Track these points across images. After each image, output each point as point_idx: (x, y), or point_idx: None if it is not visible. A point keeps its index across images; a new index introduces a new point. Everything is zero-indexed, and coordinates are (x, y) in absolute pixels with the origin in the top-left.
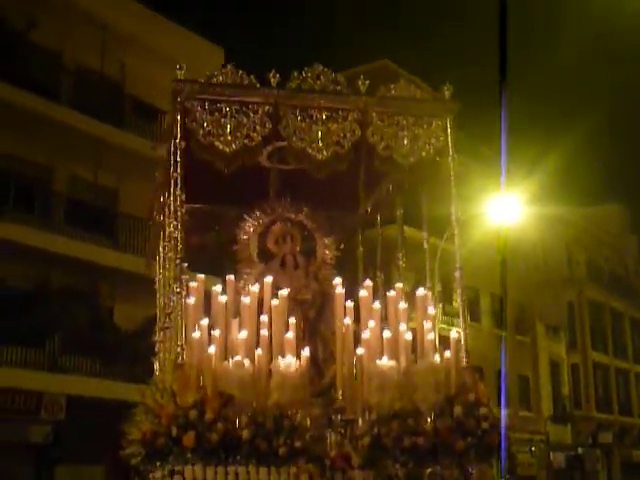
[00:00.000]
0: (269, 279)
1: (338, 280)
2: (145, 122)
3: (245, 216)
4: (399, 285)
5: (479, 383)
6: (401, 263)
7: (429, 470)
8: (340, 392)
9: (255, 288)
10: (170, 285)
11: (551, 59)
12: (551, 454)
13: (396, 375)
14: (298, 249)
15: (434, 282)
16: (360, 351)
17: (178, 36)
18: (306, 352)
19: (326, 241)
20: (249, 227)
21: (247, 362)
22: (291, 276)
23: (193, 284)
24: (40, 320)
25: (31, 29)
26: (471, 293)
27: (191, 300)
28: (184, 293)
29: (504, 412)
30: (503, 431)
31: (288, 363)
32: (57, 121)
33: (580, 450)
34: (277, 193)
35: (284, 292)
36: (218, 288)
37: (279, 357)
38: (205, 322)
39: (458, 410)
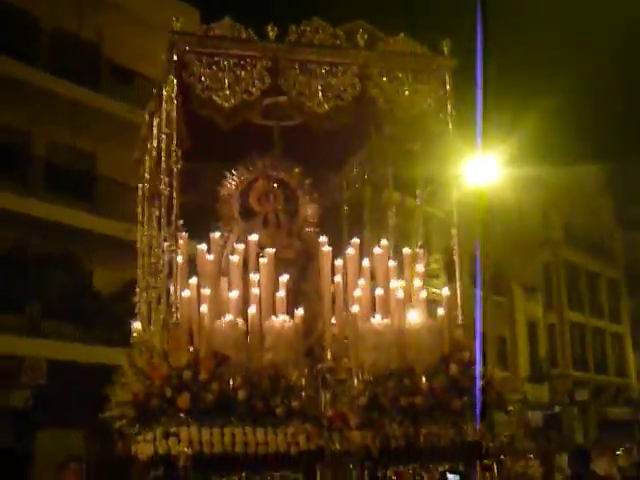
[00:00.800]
0: (254, 237)
1: (323, 239)
2: (122, 86)
3: (227, 173)
4: (384, 242)
5: (472, 341)
6: (391, 221)
7: (425, 430)
8: (329, 352)
9: (241, 246)
10: (158, 245)
11: (530, 18)
12: (529, 413)
13: (390, 334)
14: (280, 207)
15: (413, 242)
16: (353, 309)
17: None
18: (300, 311)
19: (308, 199)
20: (230, 184)
21: (240, 321)
22: (273, 235)
23: (180, 243)
24: (19, 285)
25: None
26: (449, 254)
27: (179, 258)
28: (179, 251)
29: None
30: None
31: (282, 322)
32: (34, 85)
33: (557, 408)
34: (260, 150)
35: (271, 250)
36: (203, 246)
37: (272, 316)
38: (194, 281)
39: (453, 369)
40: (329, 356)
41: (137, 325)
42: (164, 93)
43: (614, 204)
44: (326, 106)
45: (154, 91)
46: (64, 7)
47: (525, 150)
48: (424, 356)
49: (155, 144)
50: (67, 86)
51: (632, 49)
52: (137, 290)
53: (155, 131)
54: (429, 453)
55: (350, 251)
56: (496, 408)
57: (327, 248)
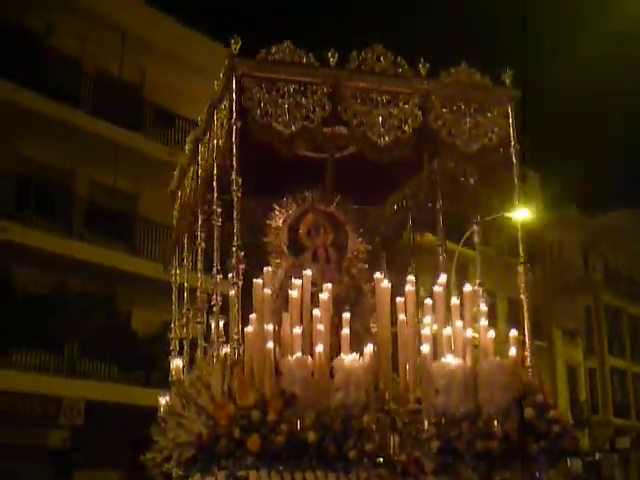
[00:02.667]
0: (308, 272)
1: (379, 275)
2: (163, 127)
3: (275, 206)
4: (443, 279)
5: (545, 384)
6: (441, 257)
7: (498, 478)
8: (411, 394)
9: (298, 282)
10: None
11: (573, 60)
12: (568, 460)
13: (462, 375)
14: (330, 242)
15: (449, 285)
16: (424, 349)
17: (196, 41)
18: (369, 348)
19: (357, 234)
20: (279, 217)
21: (309, 359)
22: (323, 270)
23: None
24: (58, 325)
25: (51, 34)
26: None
27: (232, 292)
28: (240, 284)
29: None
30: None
31: (352, 360)
32: (77, 126)
33: (597, 456)
34: (306, 184)
35: (329, 285)
36: (259, 281)
37: (341, 354)
38: (253, 316)
39: (529, 412)
40: (396, 398)
41: (177, 363)
42: (216, 118)
43: None
44: (387, 137)
45: (200, 118)
46: (107, 49)
47: (568, 194)
48: (496, 398)
49: (201, 173)
50: (109, 127)
51: None
52: (172, 326)
53: (203, 159)
54: None
55: (409, 288)
56: (572, 454)
57: (386, 284)
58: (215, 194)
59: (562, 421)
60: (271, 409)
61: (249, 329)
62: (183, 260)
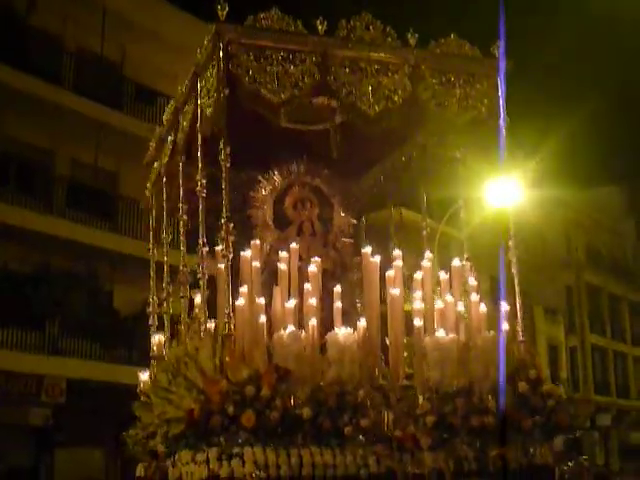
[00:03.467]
0: (295, 245)
1: (368, 249)
2: (144, 105)
3: (260, 178)
4: (430, 255)
5: (537, 358)
6: (425, 232)
7: (494, 452)
8: (401, 369)
9: (285, 254)
10: (198, 251)
11: (553, 39)
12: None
13: (456, 349)
14: (316, 216)
15: (433, 261)
16: (417, 323)
17: (177, 19)
18: (362, 323)
19: (344, 208)
20: (264, 190)
21: (302, 333)
22: (309, 244)
23: (218, 248)
24: (40, 303)
25: (32, 13)
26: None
27: (222, 265)
28: (230, 256)
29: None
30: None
31: (347, 335)
32: (58, 104)
33: (578, 433)
34: (289, 155)
35: (318, 259)
36: (247, 253)
37: (334, 328)
38: (244, 290)
39: (523, 387)
40: (387, 373)
41: (159, 338)
42: (200, 87)
43: (637, 226)
44: (377, 107)
45: (181, 88)
46: (87, 27)
47: (548, 172)
48: (490, 373)
49: (182, 144)
50: (90, 105)
51: None
52: (150, 301)
53: (183, 131)
54: (499, 477)
55: (398, 263)
56: (566, 430)
57: (375, 259)
58: (200, 164)
59: (556, 395)
60: (265, 384)
61: (239, 303)
62: (163, 233)
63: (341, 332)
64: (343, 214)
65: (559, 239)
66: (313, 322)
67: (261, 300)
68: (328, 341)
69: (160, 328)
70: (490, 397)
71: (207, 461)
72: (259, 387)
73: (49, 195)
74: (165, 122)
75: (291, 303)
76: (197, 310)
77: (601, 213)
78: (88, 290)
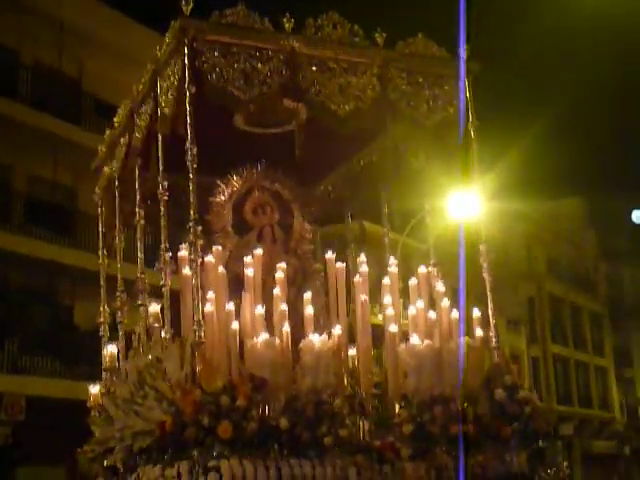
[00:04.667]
0: (259, 251)
1: (331, 255)
2: (102, 120)
3: (219, 182)
4: (395, 261)
5: (512, 364)
6: (387, 239)
7: (472, 461)
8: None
9: (249, 259)
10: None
11: (512, 55)
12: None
13: (432, 356)
14: (276, 221)
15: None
16: (391, 329)
17: (136, 34)
18: (337, 330)
19: (304, 214)
20: (223, 195)
21: (277, 340)
22: (269, 250)
23: (183, 254)
24: None
25: None
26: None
27: (186, 271)
28: (199, 261)
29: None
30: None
31: (322, 341)
32: (15, 119)
33: (541, 443)
34: (246, 160)
35: (283, 265)
36: (210, 258)
37: (309, 335)
38: (212, 296)
39: (500, 394)
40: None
41: (111, 349)
42: (160, 86)
43: (597, 237)
44: (346, 107)
45: (136, 87)
46: (44, 41)
47: (508, 185)
48: (466, 379)
49: (136, 146)
50: (48, 120)
51: (619, 88)
52: (101, 310)
53: (139, 132)
54: None
55: (364, 269)
56: (544, 437)
57: (340, 264)
58: (161, 166)
59: (533, 402)
60: (240, 394)
61: (208, 309)
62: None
63: (315, 339)
64: (303, 220)
65: (520, 251)
66: (286, 328)
67: (231, 306)
68: (302, 348)
69: (114, 339)
70: (466, 405)
71: (178, 476)
72: (234, 397)
73: (7, 211)
74: (117, 124)
75: (260, 310)
76: (151, 319)
77: (562, 225)
78: (48, 306)
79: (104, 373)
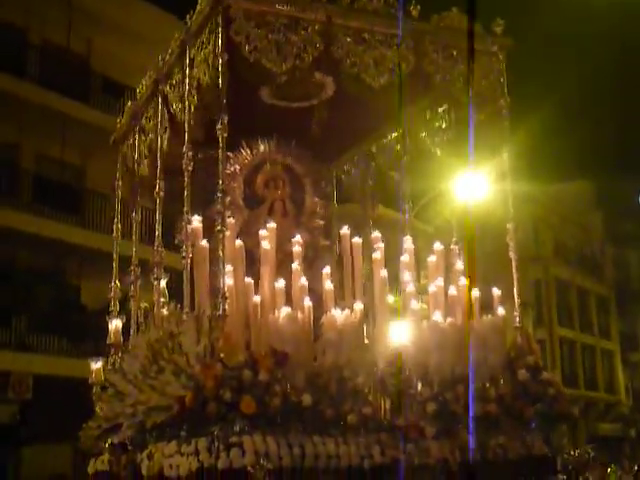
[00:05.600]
0: (272, 224)
1: (346, 230)
2: (111, 99)
3: (230, 154)
4: (410, 238)
5: (534, 345)
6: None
7: (494, 442)
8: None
9: (265, 233)
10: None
11: (521, 37)
12: None
13: (455, 334)
14: (287, 195)
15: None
16: (413, 306)
17: (144, 12)
18: (358, 305)
19: (316, 189)
20: (234, 168)
21: (299, 314)
22: (280, 224)
23: (197, 225)
24: (6, 299)
25: None
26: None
27: (204, 243)
28: (227, 232)
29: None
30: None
31: (344, 316)
32: (23, 98)
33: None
34: (259, 133)
35: (299, 238)
36: (227, 232)
37: (332, 309)
38: (230, 269)
39: (523, 374)
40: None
41: (117, 324)
42: (189, 55)
43: (604, 221)
44: (381, 80)
45: (162, 57)
46: (53, 20)
47: (516, 166)
48: (489, 359)
49: (164, 114)
50: (56, 99)
51: (623, 70)
52: (111, 285)
53: (170, 102)
54: (501, 467)
55: (380, 245)
56: (567, 419)
57: (357, 240)
58: (187, 136)
59: (555, 383)
60: (262, 368)
61: (228, 283)
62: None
63: (337, 314)
64: (314, 195)
65: (527, 234)
66: (307, 303)
67: (250, 280)
68: (324, 323)
69: (120, 313)
70: (488, 384)
71: (196, 452)
72: (256, 372)
73: (15, 190)
74: (140, 96)
75: (281, 283)
76: (157, 295)
77: (569, 208)
78: (55, 285)
79: (110, 348)
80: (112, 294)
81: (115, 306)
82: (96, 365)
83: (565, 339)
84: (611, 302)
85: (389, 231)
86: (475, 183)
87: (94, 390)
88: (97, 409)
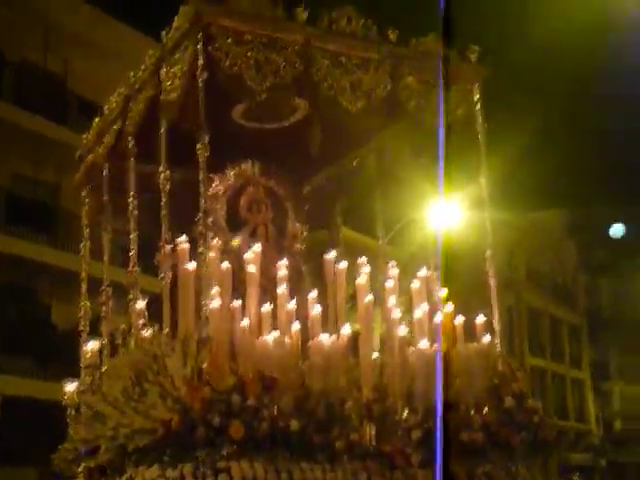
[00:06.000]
0: (257, 247)
1: (332, 255)
2: (87, 119)
3: (213, 176)
4: (395, 263)
5: (517, 372)
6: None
7: (480, 470)
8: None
9: (250, 256)
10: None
11: (505, 60)
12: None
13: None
14: (270, 219)
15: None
16: (401, 332)
17: (122, 34)
18: (346, 329)
19: (298, 213)
20: (217, 189)
21: (287, 339)
22: (263, 249)
23: (183, 246)
24: None
25: None
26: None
27: (190, 265)
28: (210, 254)
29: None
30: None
31: (332, 341)
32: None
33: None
34: (240, 155)
35: (285, 262)
36: (212, 254)
37: (320, 333)
38: (216, 291)
39: (509, 402)
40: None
41: (93, 345)
42: (166, 72)
43: (577, 249)
44: (358, 104)
45: (134, 73)
46: (30, 39)
47: (491, 193)
48: (475, 386)
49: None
50: (32, 118)
51: (598, 99)
52: (81, 304)
53: (132, 119)
54: None
55: (366, 270)
56: (552, 447)
57: (342, 265)
58: (163, 155)
59: (540, 411)
60: (251, 393)
61: (214, 305)
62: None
63: (326, 339)
64: (296, 219)
65: (501, 261)
66: (296, 327)
67: (238, 303)
68: (312, 348)
69: (94, 336)
70: (472, 412)
71: (182, 477)
72: (244, 396)
73: None
74: (108, 112)
75: (268, 307)
76: (136, 317)
77: (542, 236)
78: (26, 305)
79: (84, 370)
80: (82, 313)
81: (85, 326)
82: (70, 387)
83: (536, 368)
84: (583, 331)
85: (357, 256)
86: (449, 210)
87: (68, 412)
88: (71, 432)
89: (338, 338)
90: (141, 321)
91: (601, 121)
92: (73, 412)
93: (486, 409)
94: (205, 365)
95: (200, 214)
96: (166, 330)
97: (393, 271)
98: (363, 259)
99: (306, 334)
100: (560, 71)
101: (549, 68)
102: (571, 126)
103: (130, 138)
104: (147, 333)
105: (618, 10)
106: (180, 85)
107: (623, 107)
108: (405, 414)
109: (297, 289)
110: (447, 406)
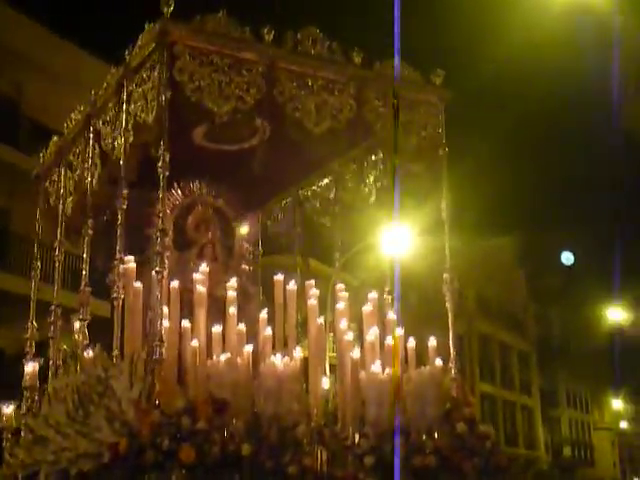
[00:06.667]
0: (204, 267)
1: (280, 276)
2: (39, 143)
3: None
4: (342, 285)
5: (470, 396)
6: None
7: None
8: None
9: (199, 277)
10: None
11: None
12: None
13: (390, 386)
14: (217, 239)
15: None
16: (354, 355)
17: (77, 58)
18: (298, 352)
19: (245, 233)
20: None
21: (239, 360)
22: (210, 269)
23: (129, 266)
24: None
25: None
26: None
27: (138, 285)
28: (165, 273)
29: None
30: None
31: (285, 364)
32: None
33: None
34: (190, 175)
35: (234, 283)
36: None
37: (271, 355)
38: (166, 311)
39: (462, 427)
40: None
41: (33, 366)
42: (128, 92)
43: (527, 277)
44: (322, 126)
45: (95, 92)
46: None
47: (441, 220)
48: (427, 411)
49: (95, 151)
50: None
51: (547, 129)
52: (29, 325)
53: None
54: None
55: (315, 292)
56: (504, 472)
57: (292, 286)
58: (123, 174)
59: (492, 436)
60: (201, 416)
61: (165, 325)
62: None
63: (279, 361)
64: (243, 240)
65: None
66: (248, 349)
67: (187, 323)
68: (263, 370)
69: (36, 355)
70: (425, 437)
71: None
72: (195, 419)
73: None
74: (68, 131)
75: (218, 328)
76: (77, 336)
77: (493, 263)
78: None
79: (25, 392)
80: (29, 334)
81: (31, 347)
82: (7, 409)
83: (486, 394)
84: (532, 358)
85: (315, 281)
86: (404, 235)
87: (4, 435)
88: (7, 456)
89: (290, 360)
90: (85, 342)
91: (552, 149)
92: (9, 435)
93: (437, 434)
94: (155, 387)
95: (158, 233)
96: (115, 352)
97: (343, 293)
98: (312, 281)
99: (255, 356)
100: (514, 96)
101: (503, 93)
102: (521, 154)
103: (90, 159)
104: (89, 354)
105: (576, 37)
106: (153, 106)
107: (578, 134)
108: (357, 439)
109: (244, 310)
110: (399, 430)
